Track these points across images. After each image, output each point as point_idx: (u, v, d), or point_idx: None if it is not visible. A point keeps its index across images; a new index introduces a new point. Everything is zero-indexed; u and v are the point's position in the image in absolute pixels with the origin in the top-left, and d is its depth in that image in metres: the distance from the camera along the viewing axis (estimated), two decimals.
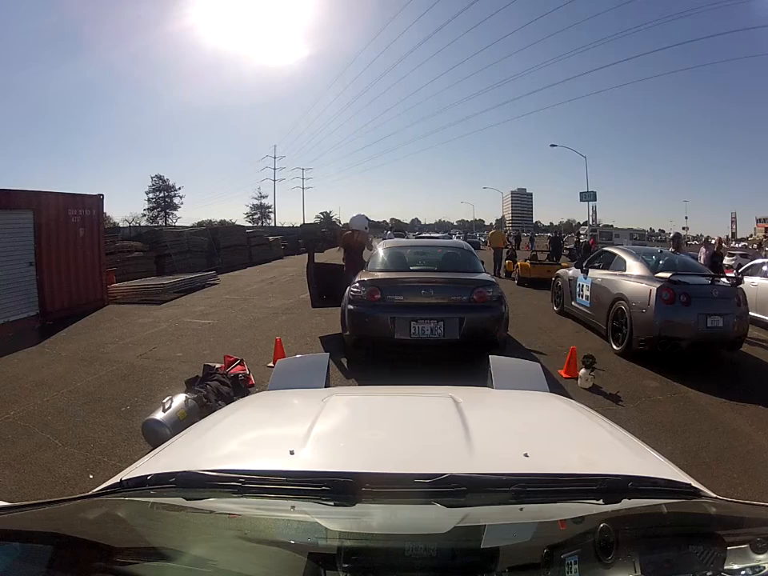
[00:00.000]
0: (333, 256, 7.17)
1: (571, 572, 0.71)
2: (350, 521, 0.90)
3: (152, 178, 52.81)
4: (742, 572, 0.70)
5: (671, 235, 9.04)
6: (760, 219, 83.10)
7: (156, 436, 2.95)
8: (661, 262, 6.02)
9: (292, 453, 0.99)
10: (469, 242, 7.68)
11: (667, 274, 5.38)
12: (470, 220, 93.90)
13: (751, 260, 10.11)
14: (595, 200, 29.81)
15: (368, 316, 4.74)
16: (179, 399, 3.32)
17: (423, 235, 22.98)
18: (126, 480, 0.96)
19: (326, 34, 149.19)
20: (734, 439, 3.56)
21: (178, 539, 0.85)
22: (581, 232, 21.31)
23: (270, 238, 22.20)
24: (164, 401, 3.25)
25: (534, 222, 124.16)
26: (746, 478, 2.99)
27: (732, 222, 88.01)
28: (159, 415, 3.13)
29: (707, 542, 0.83)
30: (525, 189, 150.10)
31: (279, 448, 1.08)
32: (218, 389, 3.71)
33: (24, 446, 3.30)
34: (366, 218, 6.92)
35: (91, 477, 2.88)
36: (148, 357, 5.54)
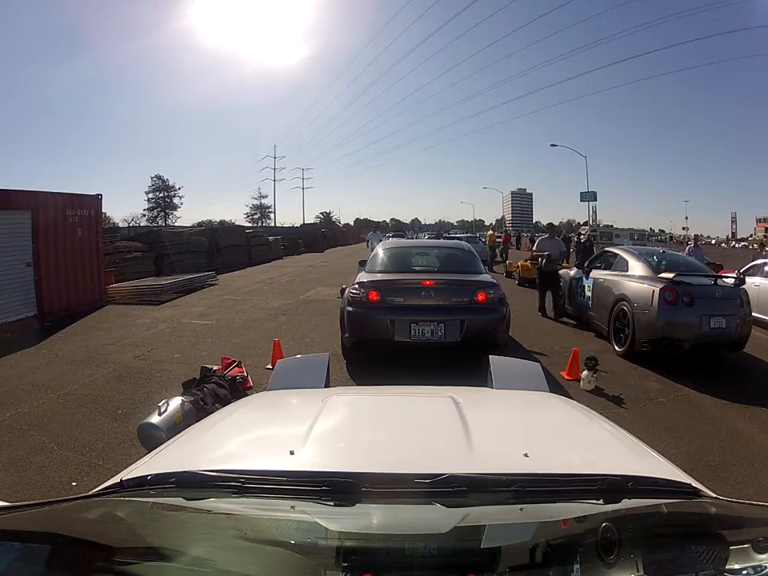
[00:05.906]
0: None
1: (572, 572, 0.71)
2: (350, 521, 0.90)
3: (152, 178, 53.08)
4: (744, 572, 0.69)
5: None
6: (760, 219, 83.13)
7: (151, 439, 2.91)
8: (663, 263, 5.97)
9: (292, 453, 0.99)
10: (468, 242, 7.62)
11: (670, 275, 5.33)
12: (470, 220, 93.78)
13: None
14: (595, 200, 29.73)
15: (367, 318, 4.68)
16: (175, 402, 3.28)
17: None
18: (126, 480, 0.96)
19: (326, 34, 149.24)
20: (738, 441, 3.53)
21: (177, 539, 0.84)
22: (581, 232, 21.27)
23: (270, 238, 22.19)
24: (160, 404, 3.21)
25: (534, 222, 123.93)
26: (752, 480, 2.96)
27: (732, 222, 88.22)
28: (155, 419, 3.09)
29: (708, 541, 0.82)
30: (525, 189, 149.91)
31: (279, 448, 1.08)
32: (215, 391, 3.67)
33: (19, 448, 3.28)
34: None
35: (74, 484, 2.84)
36: (146, 358, 5.50)
